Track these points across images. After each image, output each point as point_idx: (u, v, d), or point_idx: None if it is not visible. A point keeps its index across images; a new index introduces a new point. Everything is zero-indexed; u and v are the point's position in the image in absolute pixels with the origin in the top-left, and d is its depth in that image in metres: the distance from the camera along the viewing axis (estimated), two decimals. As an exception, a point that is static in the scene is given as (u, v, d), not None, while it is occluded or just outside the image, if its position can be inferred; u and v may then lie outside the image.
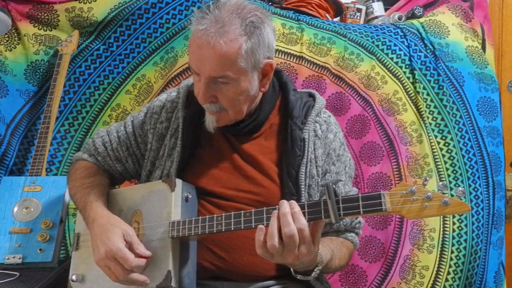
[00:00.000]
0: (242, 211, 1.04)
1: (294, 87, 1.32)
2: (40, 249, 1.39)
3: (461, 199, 0.91)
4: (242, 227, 1.04)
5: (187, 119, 1.26)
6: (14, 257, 1.37)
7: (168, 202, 1.14)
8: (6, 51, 1.75)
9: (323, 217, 0.96)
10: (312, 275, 1.06)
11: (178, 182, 1.16)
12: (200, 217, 1.10)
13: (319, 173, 1.24)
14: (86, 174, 1.30)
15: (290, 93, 1.27)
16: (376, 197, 0.92)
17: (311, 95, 1.34)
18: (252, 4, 1.18)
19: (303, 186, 1.19)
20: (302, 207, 0.98)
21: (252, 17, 1.12)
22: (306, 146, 1.22)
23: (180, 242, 1.13)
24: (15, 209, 1.46)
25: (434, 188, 0.92)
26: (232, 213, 1.05)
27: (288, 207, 0.97)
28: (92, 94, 1.80)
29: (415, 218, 0.91)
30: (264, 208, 1.02)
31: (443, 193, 0.89)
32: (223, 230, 1.06)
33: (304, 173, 1.20)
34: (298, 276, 1.08)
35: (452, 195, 0.92)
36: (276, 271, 1.21)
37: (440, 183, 0.90)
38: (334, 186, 0.96)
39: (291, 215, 0.96)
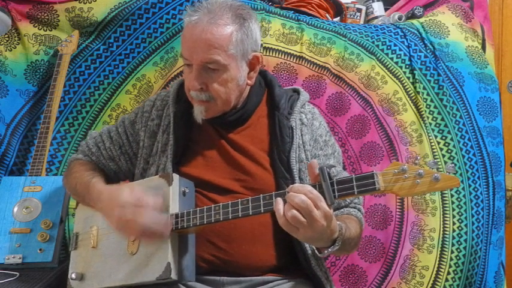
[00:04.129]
0: (239, 199, 1.06)
1: (279, 84, 1.39)
2: (40, 249, 1.39)
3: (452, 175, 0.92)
4: (240, 215, 1.05)
5: (178, 114, 1.30)
6: (14, 257, 1.37)
7: (165, 196, 1.15)
8: (6, 51, 1.75)
9: None
10: (336, 244, 1.05)
11: (175, 177, 1.18)
12: (198, 208, 1.11)
13: (308, 158, 1.28)
14: (84, 168, 1.34)
15: (276, 89, 1.34)
16: (369, 177, 0.94)
17: (295, 91, 1.40)
18: (239, 2, 1.27)
19: (295, 171, 1.23)
20: None
21: (241, 11, 1.22)
22: (294, 133, 1.27)
23: (178, 235, 1.14)
24: (15, 209, 1.46)
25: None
26: (230, 202, 1.07)
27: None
28: (92, 94, 1.80)
29: (407, 195, 0.92)
30: (261, 195, 1.03)
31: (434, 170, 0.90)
32: (221, 219, 1.07)
33: (294, 158, 1.25)
34: (326, 251, 1.06)
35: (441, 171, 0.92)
36: (276, 261, 1.21)
37: (431, 161, 0.91)
38: (328, 170, 0.97)
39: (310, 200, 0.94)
